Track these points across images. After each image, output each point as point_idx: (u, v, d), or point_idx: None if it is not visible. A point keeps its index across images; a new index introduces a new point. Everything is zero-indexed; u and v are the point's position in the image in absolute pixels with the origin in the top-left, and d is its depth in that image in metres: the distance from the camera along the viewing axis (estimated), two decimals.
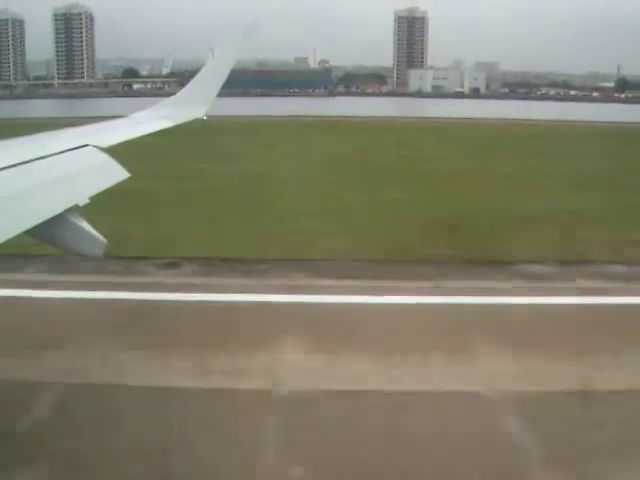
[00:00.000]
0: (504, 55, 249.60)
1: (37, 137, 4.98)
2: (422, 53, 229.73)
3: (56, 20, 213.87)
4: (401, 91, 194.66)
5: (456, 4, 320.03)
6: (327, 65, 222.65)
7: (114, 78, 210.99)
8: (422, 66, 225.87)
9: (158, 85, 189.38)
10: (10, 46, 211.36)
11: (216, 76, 7.17)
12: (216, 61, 7.40)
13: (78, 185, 4.34)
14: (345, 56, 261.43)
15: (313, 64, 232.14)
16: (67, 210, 3.88)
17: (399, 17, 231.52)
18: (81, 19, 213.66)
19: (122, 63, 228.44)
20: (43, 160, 4.19)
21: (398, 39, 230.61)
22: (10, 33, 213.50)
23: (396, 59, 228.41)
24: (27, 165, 3.99)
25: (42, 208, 3.70)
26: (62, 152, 4.47)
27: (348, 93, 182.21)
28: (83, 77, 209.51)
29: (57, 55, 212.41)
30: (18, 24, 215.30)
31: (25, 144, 4.72)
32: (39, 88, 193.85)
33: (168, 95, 7.99)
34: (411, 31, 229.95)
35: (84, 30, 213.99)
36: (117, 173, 4.66)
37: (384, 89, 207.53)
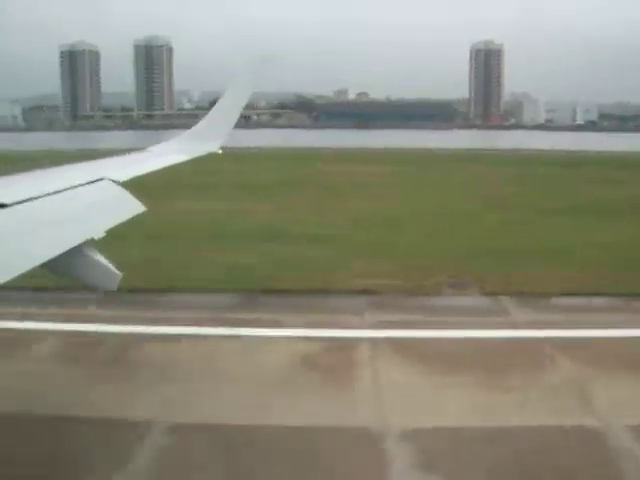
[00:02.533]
0: (579, 88, 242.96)
1: (54, 170, 5.09)
2: (498, 86, 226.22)
3: (137, 51, 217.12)
4: (510, 123, 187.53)
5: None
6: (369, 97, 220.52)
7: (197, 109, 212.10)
8: (499, 99, 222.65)
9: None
10: (87, 77, 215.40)
11: (232, 109, 7.28)
12: (232, 95, 7.47)
13: (94, 219, 4.39)
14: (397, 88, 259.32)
15: (352, 96, 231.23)
16: (83, 243, 3.91)
17: (476, 50, 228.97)
18: (162, 51, 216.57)
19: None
20: (60, 194, 4.21)
21: (475, 71, 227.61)
22: (87, 65, 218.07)
23: (473, 91, 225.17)
24: (44, 198, 4.01)
25: (58, 241, 3.72)
26: (78, 186, 4.49)
27: (468, 126, 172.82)
28: (163, 108, 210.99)
29: (137, 86, 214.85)
30: (94, 56, 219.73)
31: (42, 177, 4.82)
32: (119, 120, 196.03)
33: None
34: (487, 64, 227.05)
35: (165, 61, 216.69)
36: (133, 207, 4.68)
37: (497, 121, 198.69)
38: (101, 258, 4.04)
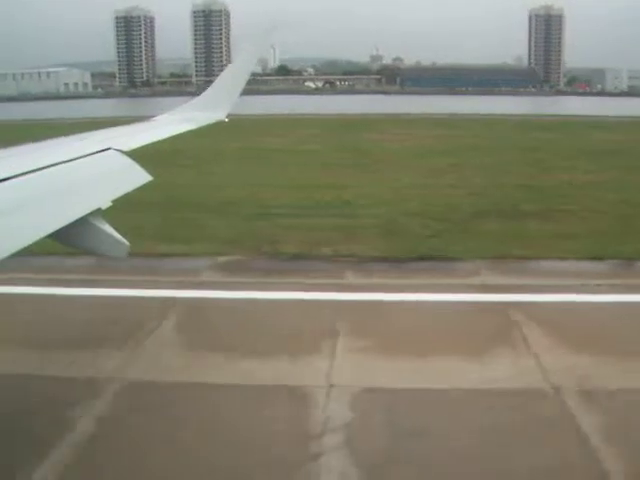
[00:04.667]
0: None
1: (60, 141, 5.07)
2: (559, 52, 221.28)
3: (195, 17, 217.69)
4: (597, 90, 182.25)
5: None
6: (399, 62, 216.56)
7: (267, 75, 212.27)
8: (559, 66, 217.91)
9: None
10: (142, 44, 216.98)
11: (237, 78, 7.13)
12: (237, 63, 7.52)
13: (101, 189, 4.37)
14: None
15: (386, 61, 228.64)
16: (91, 213, 3.92)
17: (535, 15, 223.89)
18: (220, 16, 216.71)
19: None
20: (66, 164, 4.20)
21: (535, 37, 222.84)
22: (143, 30, 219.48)
23: (534, 58, 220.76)
24: (50, 169, 3.99)
25: (65, 212, 3.75)
26: (85, 156, 4.49)
27: (553, 93, 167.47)
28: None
29: (195, 52, 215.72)
30: (149, 21, 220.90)
31: (47, 148, 4.80)
32: (178, 86, 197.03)
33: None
34: (548, 30, 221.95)
35: (223, 27, 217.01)
36: (139, 176, 4.67)
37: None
38: (108, 228, 4.06)
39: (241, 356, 5.87)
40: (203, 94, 7.30)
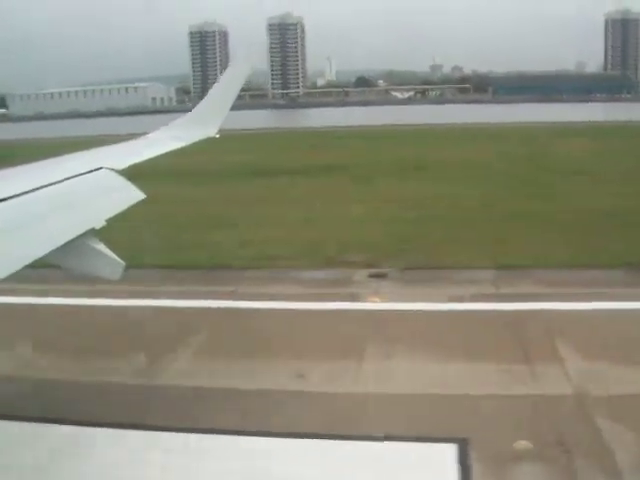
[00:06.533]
0: None
1: (52, 161, 5.06)
2: (636, 56, 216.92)
3: (271, 31, 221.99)
4: None
5: None
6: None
7: (336, 87, 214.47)
8: (636, 71, 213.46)
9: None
10: (217, 58, 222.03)
11: (227, 94, 7.03)
12: (226, 79, 7.31)
13: (94, 208, 4.36)
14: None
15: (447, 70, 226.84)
16: (84, 234, 3.87)
17: (612, 20, 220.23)
18: (296, 29, 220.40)
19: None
20: (59, 184, 4.20)
21: (612, 42, 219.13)
22: (217, 45, 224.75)
23: (610, 63, 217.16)
24: (43, 190, 3.99)
25: (58, 233, 3.70)
26: (77, 175, 4.47)
27: None
28: (298, 87, 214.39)
29: (272, 65, 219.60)
30: (223, 36, 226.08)
31: (40, 168, 4.81)
32: (253, 98, 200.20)
33: None
34: (625, 34, 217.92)
35: (299, 40, 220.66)
36: (132, 195, 4.66)
37: None
38: (103, 248, 3.99)
39: None
40: (192, 111, 7.30)
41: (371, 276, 9.51)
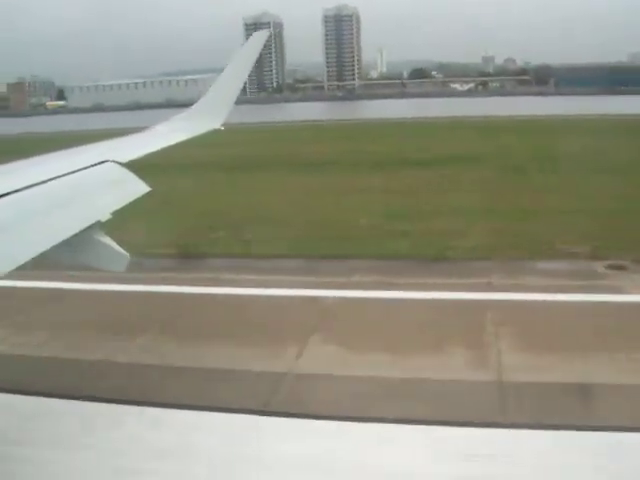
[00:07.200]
0: None
1: (58, 154, 5.06)
2: None
3: (326, 22, 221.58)
4: None
5: None
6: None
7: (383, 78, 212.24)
8: None
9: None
10: (273, 49, 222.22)
11: (231, 87, 7.07)
12: (230, 72, 7.27)
13: (100, 201, 4.36)
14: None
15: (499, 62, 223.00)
16: (90, 226, 3.92)
17: None
18: (351, 20, 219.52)
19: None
20: (64, 178, 4.21)
21: None
22: (272, 37, 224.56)
23: None
24: (49, 183, 4.00)
25: (64, 226, 3.73)
26: (82, 169, 4.49)
27: None
28: (353, 79, 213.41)
29: (327, 57, 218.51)
30: (278, 27, 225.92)
31: (46, 162, 4.79)
32: (305, 90, 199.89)
33: None
34: None
35: (354, 31, 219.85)
36: (137, 187, 4.67)
37: None
38: (109, 240, 4.05)
39: None
40: (198, 103, 7.31)
41: (609, 267, 9.54)
